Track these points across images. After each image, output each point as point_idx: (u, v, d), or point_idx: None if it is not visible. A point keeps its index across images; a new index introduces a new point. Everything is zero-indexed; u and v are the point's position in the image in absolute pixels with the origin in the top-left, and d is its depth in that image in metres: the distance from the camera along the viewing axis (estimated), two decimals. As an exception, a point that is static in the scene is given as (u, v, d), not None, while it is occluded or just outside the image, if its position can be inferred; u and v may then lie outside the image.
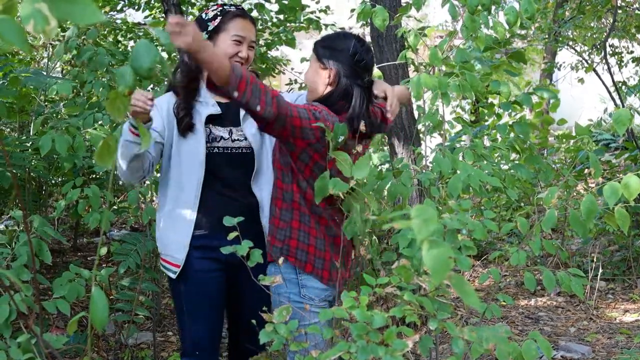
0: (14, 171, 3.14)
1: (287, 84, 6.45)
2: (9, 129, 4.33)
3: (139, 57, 0.93)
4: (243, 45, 1.98)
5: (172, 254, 2.02)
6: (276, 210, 1.91)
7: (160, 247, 2.06)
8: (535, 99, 2.28)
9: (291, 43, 5.28)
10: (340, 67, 1.85)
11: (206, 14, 2.03)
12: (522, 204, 5.03)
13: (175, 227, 2.01)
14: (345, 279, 1.95)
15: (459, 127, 2.77)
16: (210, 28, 1.99)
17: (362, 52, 1.87)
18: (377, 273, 2.53)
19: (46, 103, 3.39)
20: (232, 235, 1.88)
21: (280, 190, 1.90)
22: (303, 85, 5.99)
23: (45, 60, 5.01)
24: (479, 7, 1.93)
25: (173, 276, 2.02)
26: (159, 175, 2.00)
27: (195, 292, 2.03)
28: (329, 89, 1.88)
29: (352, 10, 2.25)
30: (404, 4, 2.78)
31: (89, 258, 4.46)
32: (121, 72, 0.93)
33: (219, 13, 2.00)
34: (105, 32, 5.71)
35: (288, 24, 5.43)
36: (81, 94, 3.41)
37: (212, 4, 2.10)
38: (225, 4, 2.05)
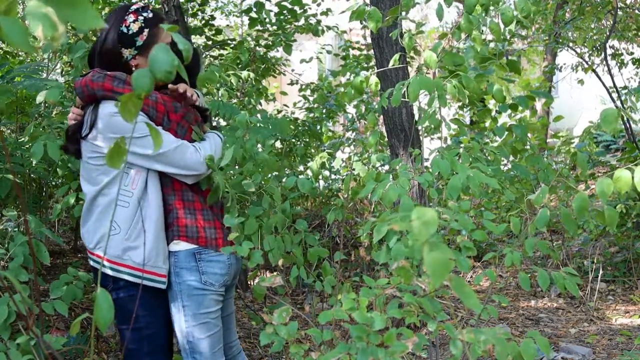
0: (15, 172, 3.14)
1: (288, 84, 6.45)
2: (9, 131, 4.33)
3: (157, 60, 0.92)
4: None
5: (160, 265, 1.96)
6: (164, 199, 2.01)
7: (149, 259, 1.93)
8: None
9: (287, 49, 5.28)
10: None
11: (127, 27, 1.89)
12: (523, 205, 5.03)
13: (163, 237, 1.99)
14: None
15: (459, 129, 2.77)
16: (139, 43, 1.90)
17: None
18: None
19: (46, 104, 3.39)
20: (232, 235, 1.91)
21: (163, 179, 1.99)
22: (303, 86, 5.99)
23: (46, 61, 5.02)
24: (477, 7, 1.93)
25: (163, 287, 1.97)
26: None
27: (159, 301, 2.02)
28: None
29: (344, 12, 2.22)
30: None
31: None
32: (139, 75, 0.92)
33: (144, 25, 1.90)
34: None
35: (288, 25, 5.43)
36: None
37: (128, 6, 1.91)
38: (139, 9, 1.93)
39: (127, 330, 1.98)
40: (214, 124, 3.74)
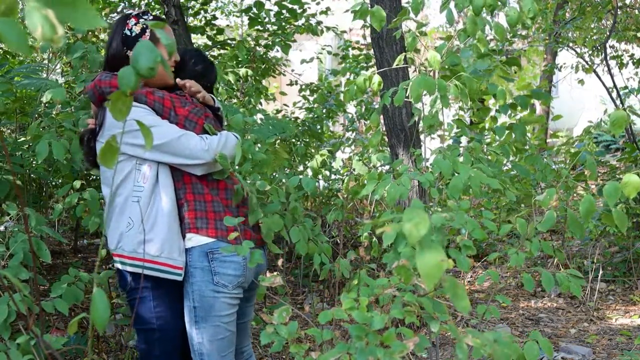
0: (15, 172, 3.14)
1: (288, 84, 6.45)
2: (9, 131, 4.33)
3: (140, 57, 0.93)
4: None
5: (175, 257, 1.97)
6: (176, 193, 2.04)
7: (162, 250, 1.94)
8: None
9: (285, 49, 5.28)
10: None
11: (130, 29, 2.01)
12: (523, 205, 5.03)
13: (176, 229, 2.01)
14: (255, 239, 2.09)
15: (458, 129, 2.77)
16: None
17: (197, 60, 2.23)
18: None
19: (46, 104, 3.38)
20: (232, 235, 1.92)
21: (174, 173, 2.01)
22: (303, 86, 5.99)
23: (46, 61, 5.02)
24: (484, 9, 1.93)
25: (180, 279, 1.98)
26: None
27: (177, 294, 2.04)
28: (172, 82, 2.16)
29: (348, 11, 2.24)
30: (405, 5, 2.79)
31: (89, 259, 4.46)
32: (123, 73, 0.93)
33: (145, 26, 2.01)
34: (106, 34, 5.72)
35: (287, 25, 5.43)
36: (79, 95, 3.40)
37: (130, 13, 2.05)
38: (139, 14, 2.05)
39: (143, 332, 2.02)
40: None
